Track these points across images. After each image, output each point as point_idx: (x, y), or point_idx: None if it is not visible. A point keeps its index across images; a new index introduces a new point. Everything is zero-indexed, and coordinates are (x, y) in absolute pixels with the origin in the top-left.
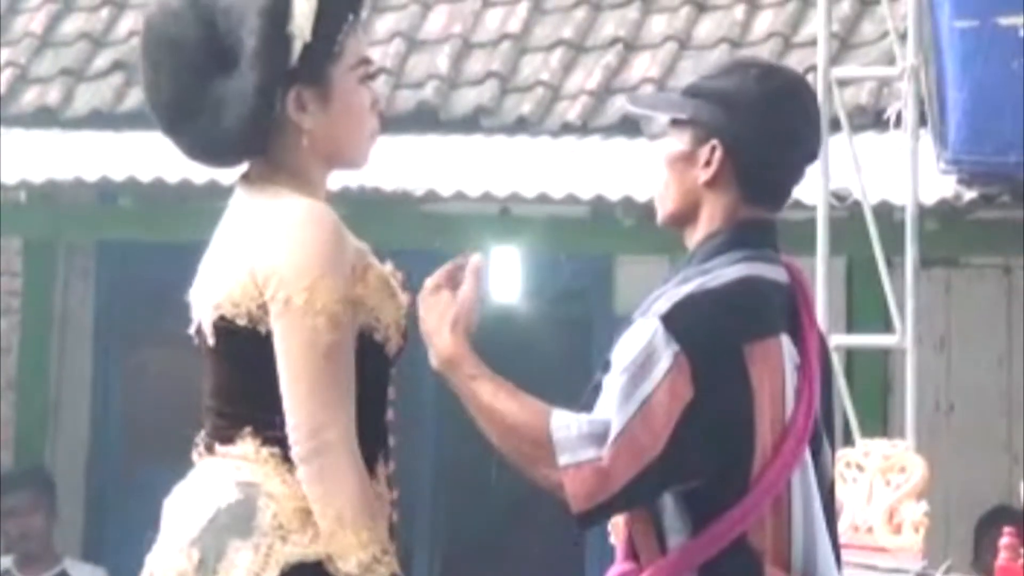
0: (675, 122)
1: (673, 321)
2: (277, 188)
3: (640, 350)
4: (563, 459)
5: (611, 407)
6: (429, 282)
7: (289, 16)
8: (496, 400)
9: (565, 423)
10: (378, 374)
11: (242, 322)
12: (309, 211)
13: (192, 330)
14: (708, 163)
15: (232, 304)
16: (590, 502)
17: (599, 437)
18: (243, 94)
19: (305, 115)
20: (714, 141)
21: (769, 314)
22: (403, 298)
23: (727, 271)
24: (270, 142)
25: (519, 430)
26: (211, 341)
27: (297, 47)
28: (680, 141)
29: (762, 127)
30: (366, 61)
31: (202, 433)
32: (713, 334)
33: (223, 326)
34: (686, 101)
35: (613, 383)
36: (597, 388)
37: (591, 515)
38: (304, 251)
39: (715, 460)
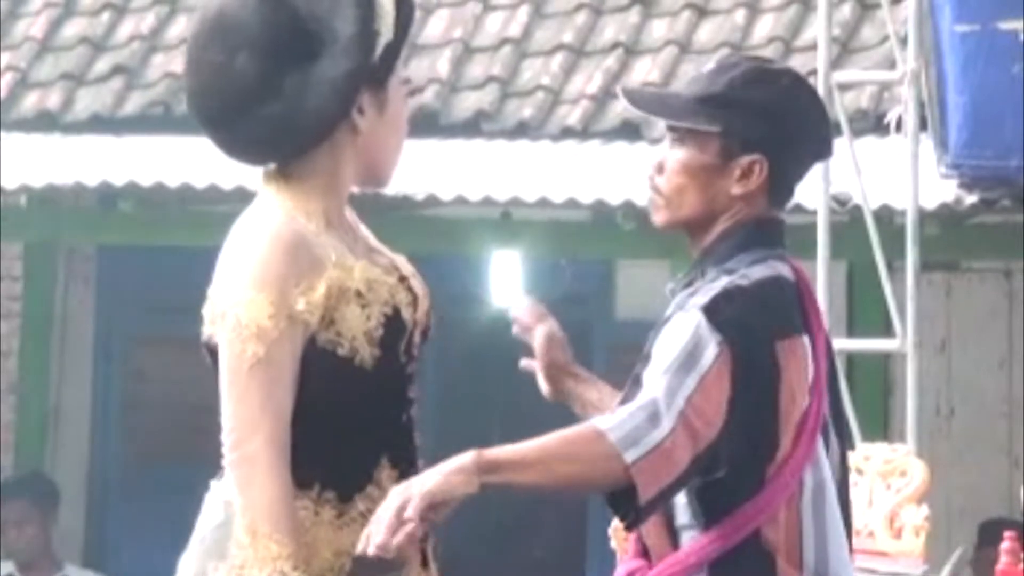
0: (692, 129)
1: (714, 313)
2: (272, 195)
3: (687, 340)
4: (631, 455)
5: (661, 396)
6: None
7: (377, 12)
8: (541, 448)
9: (615, 420)
10: (352, 388)
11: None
12: (259, 227)
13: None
14: (745, 175)
15: (209, 322)
16: (657, 487)
17: (653, 416)
18: (332, 80)
19: (362, 118)
20: (757, 156)
21: (795, 313)
22: (384, 306)
23: (753, 270)
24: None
25: (579, 453)
26: (208, 360)
27: (380, 45)
28: (701, 151)
29: (803, 141)
30: (408, 80)
31: None
32: (750, 328)
33: (207, 344)
34: (711, 111)
35: (659, 375)
36: (637, 381)
37: (654, 503)
38: (241, 268)
39: (743, 452)
